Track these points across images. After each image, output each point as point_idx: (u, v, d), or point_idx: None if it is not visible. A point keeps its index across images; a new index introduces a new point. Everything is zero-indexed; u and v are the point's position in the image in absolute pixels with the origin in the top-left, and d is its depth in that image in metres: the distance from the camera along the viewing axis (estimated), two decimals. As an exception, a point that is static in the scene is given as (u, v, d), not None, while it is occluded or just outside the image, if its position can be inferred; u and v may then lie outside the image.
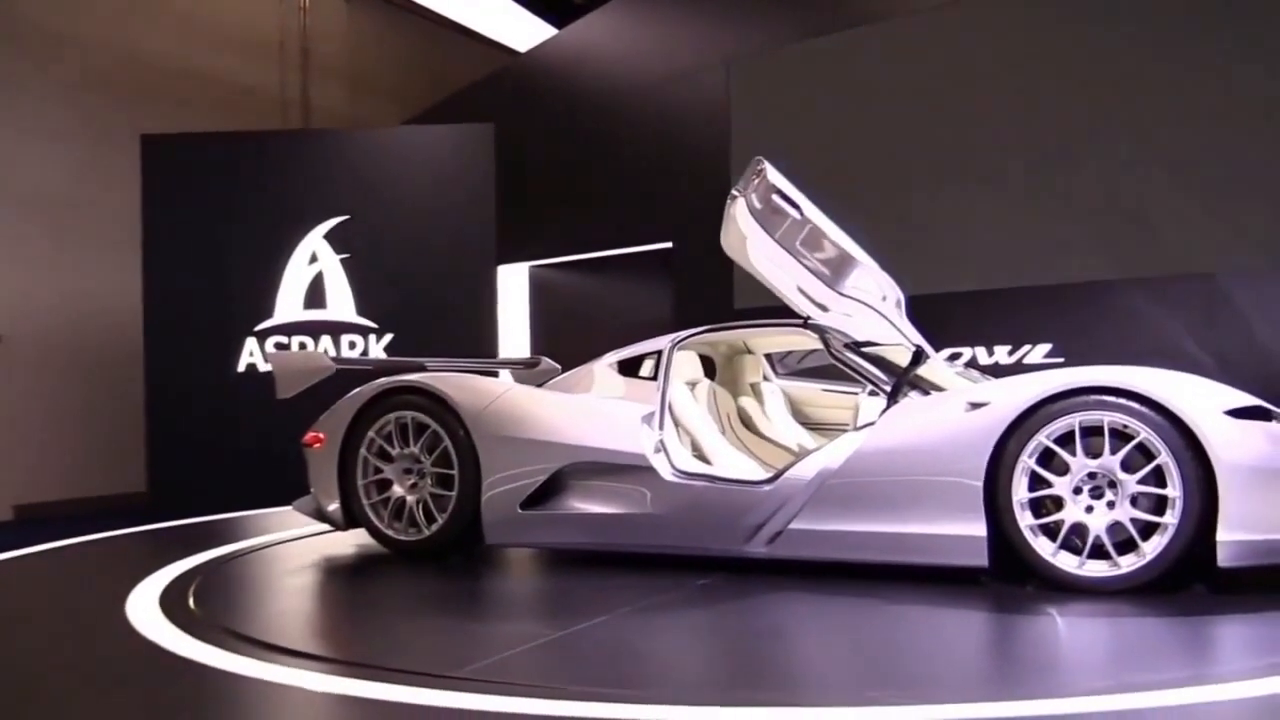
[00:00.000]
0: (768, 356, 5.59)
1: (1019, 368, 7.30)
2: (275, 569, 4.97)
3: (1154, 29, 7.10)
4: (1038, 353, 7.35)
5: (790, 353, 5.56)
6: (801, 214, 4.02)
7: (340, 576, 4.69)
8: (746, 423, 5.27)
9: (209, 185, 8.28)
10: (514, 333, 10.46)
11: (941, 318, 7.64)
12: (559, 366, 5.70)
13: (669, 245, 9.14)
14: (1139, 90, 7.12)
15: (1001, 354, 7.48)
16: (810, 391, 5.56)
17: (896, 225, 8.07)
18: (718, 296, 8.05)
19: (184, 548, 5.21)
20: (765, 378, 5.53)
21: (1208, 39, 6.90)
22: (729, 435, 5.00)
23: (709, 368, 5.50)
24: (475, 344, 8.04)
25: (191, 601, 3.90)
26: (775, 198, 4.02)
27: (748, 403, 5.34)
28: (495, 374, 7.29)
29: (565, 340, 9.17)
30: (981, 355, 7.53)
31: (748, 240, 4.09)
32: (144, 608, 3.78)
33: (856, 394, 4.99)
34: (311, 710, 2.69)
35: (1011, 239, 7.58)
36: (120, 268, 8.63)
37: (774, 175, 4.06)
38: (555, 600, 4.15)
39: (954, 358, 7.47)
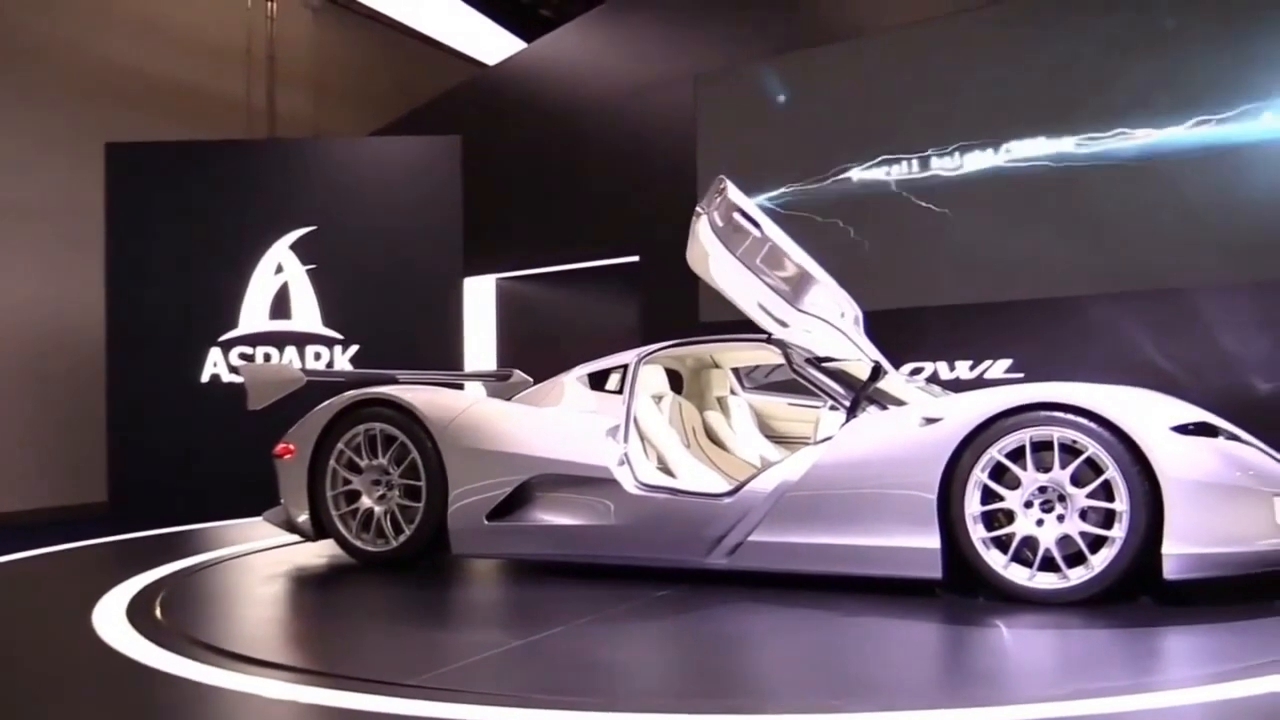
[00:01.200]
0: (735, 371, 5.67)
1: (980, 383, 7.42)
2: (243, 579, 5.00)
3: (1118, 44, 7.25)
4: (998, 368, 7.47)
5: (757, 367, 5.65)
6: (762, 232, 4.12)
7: (307, 586, 4.72)
8: (712, 436, 5.34)
9: (174, 194, 8.23)
10: (481, 345, 10.48)
11: (904, 333, 7.76)
12: (531, 379, 5.76)
13: (636, 259, 9.21)
14: (1102, 105, 7.25)
15: (963, 369, 7.60)
16: (777, 405, 5.64)
17: (859, 240, 8.19)
18: (684, 310, 8.12)
19: (151, 558, 5.22)
20: (732, 391, 5.61)
21: (1170, 51, 7.04)
22: (694, 448, 5.07)
23: (676, 381, 5.59)
24: (441, 356, 8.06)
25: (158, 611, 3.92)
26: (736, 216, 4.11)
27: (713, 416, 5.42)
28: (462, 386, 7.41)
29: (532, 353, 9.20)
30: (943, 370, 7.65)
31: (710, 257, 4.18)
32: (111, 618, 3.79)
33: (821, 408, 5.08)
34: (270, 718, 2.73)
35: (974, 255, 7.70)
36: (83, 276, 8.58)
37: (735, 194, 4.15)
38: (517, 609, 4.22)
39: (916, 372, 7.58)
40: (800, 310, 4.17)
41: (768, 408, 5.64)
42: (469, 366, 9.09)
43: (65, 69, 9.20)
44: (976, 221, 7.72)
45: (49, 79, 9.06)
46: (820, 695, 2.75)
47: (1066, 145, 7.39)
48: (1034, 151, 7.51)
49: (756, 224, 4.13)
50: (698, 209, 4.28)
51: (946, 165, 7.87)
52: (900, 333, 7.75)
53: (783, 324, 4.26)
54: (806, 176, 8.44)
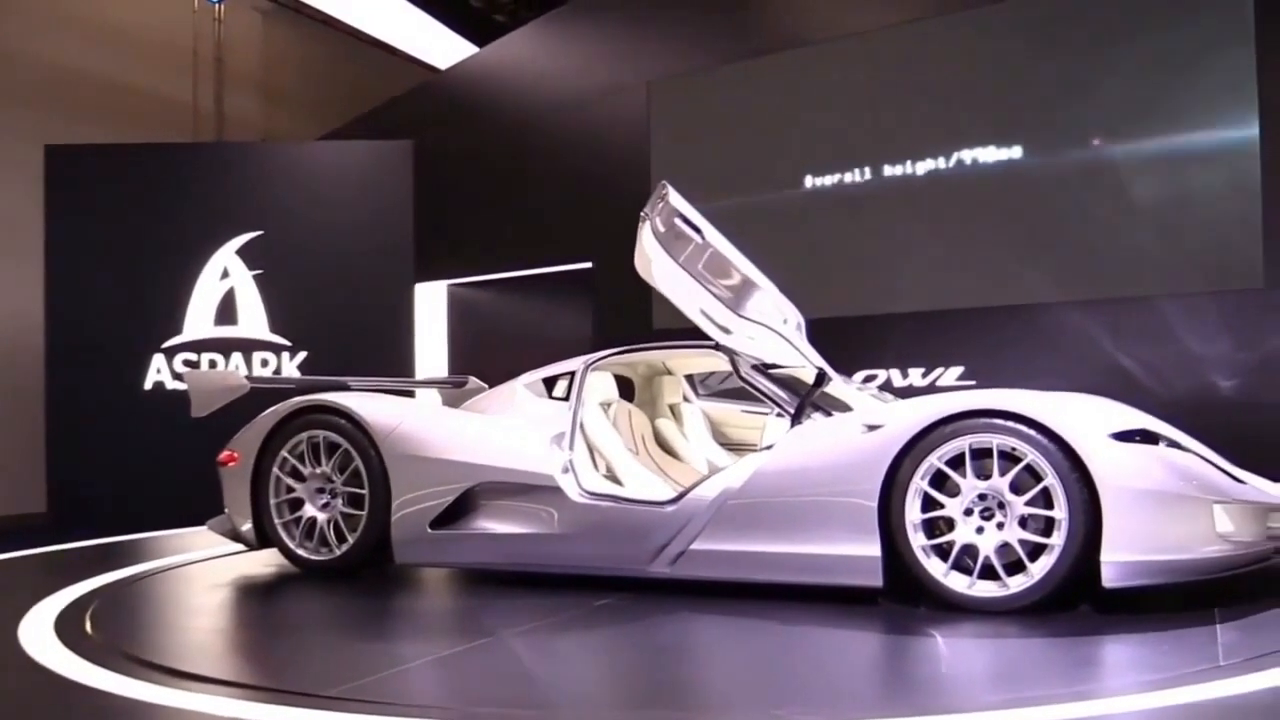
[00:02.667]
0: (689, 378, 5.65)
1: (932, 390, 7.44)
2: (179, 590, 4.93)
3: (1072, 54, 7.31)
4: (950, 375, 7.50)
5: (712, 374, 5.64)
6: (703, 238, 4.10)
7: (244, 597, 4.66)
8: (663, 443, 5.31)
9: (116, 198, 8.10)
10: (432, 352, 10.39)
11: (857, 341, 7.80)
12: (487, 387, 5.71)
13: (589, 265, 9.18)
14: (1060, 111, 7.31)
15: (916, 376, 7.63)
16: (730, 413, 5.63)
17: (812, 248, 8.21)
18: (637, 317, 8.09)
19: (87, 569, 5.12)
20: (686, 399, 5.58)
21: (1133, 60, 7.11)
22: (642, 456, 5.04)
23: (629, 388, 5.56)
24: (392, 363, 7.99)
25: (88, 624, 3.84)
26: (678, 221, 4.09)
27: (664, 424, 5.39)
28: (412, 394, 7.34)
29: (484, 360, 9.13)
30: (896, 378, 7.67)
31: (652, 263, 4.16)
32: (38, 631, 3.71)
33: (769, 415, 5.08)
34: None
35: (926, 263, 7.74)
36: (21, 281, 8.41)
37: (676, 199, 4.13)
38: (451, 619, 4.19)
39: (869, 379, 7.60)
40: (743, 317, 4.14)
41: (722, 415, 5.63)
42: (420, 374, 9.01)
43: (7, 71, 9.02)
44: (928, 229, 7.76)
45: (-11, 80, 8.88)
46: (755, 706, 2.73)
47: (1016, 153, 7.44)
48: (985, 159, 7.56)
49: (698, 229, 4.10)
50: (642, 214, 4.25)
51: (899, 173, 7.90)
52: (853, 340, 7.80)
53: (725, 330, 4.24)
54: (759, 184, 8.44)
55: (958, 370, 7.46)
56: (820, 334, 7.45)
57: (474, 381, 5.92)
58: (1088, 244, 7.19)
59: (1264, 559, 3.64)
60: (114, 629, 3.81)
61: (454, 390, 5.90)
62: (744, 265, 4.17)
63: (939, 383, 7.50)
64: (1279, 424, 6.46)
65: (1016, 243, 7.43)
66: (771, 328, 4.19)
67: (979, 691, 2.86)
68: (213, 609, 4.47)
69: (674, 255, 4.08)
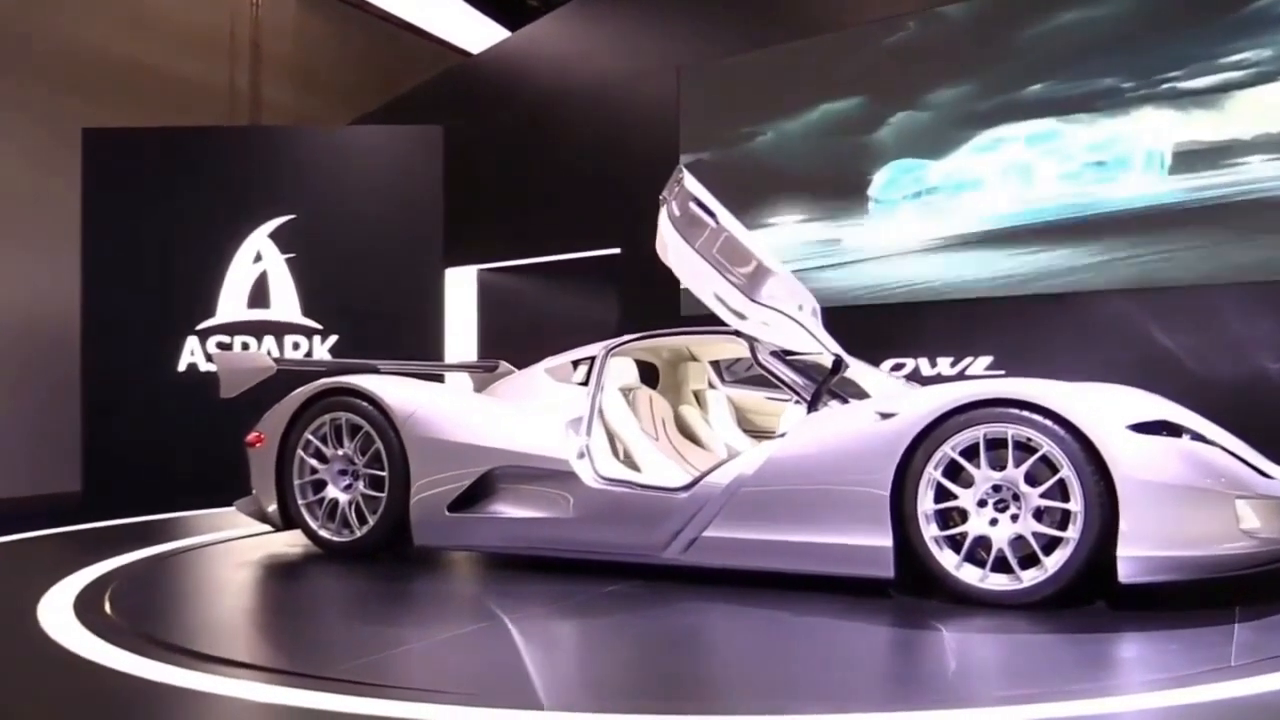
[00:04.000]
0: (715, 364, 5.62)
1: (961, 380, 7.34)
2: (199, 570, 4.98)
3: (1097, 32, 7.17)
4: (979, 365, 7.41)
5: (738, 360, 5.60)
6: (717, 222, 4.06)
7: (262, 578, 4.70)
8: (685, 430, 5.29)
9: (152, 181, 8.16)
10: (462, 337, 10.42)
11: (885, 328, 7.73)
12: (517, 370, 5.72)
13: (617, 250, 9.15)
14: (1098, 94, 7.19)
15: (945, 365, 7.54)
16: (756, 399, 5.59)
17: (842, 234, 8.13)
18: (665, 303, 8.05)
19: (111, 548, 5.18)
20: (711, 385, 5.55)
21: (1159, 44, 6.97)
22: (662, 442, 5.01)
23: (653, 374, 5.54)
24: (421, 347, 8.00)
25: (107, 604, 3.88)
26: (693, 206, 4.05)
27: (687, 410, 5.37)
28: (442, 378, 7.37)
29: (513, 345, 9.11)
30: (925, 366, 7.59)
31: (668, 247, 4.13)
32: (58, 610, 3.75)
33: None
34: (154, 705, 2.70)
35: (959, 249, 7.64)
36: (59, 263, 8.51)
37: (691, 183, 4.09)
38: (459, 602, 4.20)
39: (897, 368, 7.53)
40: (757, 302, 4.10)
41: (747, 401, 5.59)
42: (450, 358, 9.03)
43: (47, 56, 9.13)
44: (959, 217, 7.66)
45: (30, 66, 8.99)
46: (759, 698, 2.70)
47: (1049, 139, 7.32)
48: (1016, 143, 7.44)
49: (712, 214, 4.06)
50: (660, 197, 4.23)
51: (930, 159, 7.81)
52: (882, 329, 7.72)
53: (740, 316, 4.20)
54: (789, 170, 8.37)
55: (987, 360, 7.36)
56: (849, 322, 7.45)
57: (504, 365, 5.93)
58: (1123, 231, 7.05)
59: None
60: (131, 608, 3.85)
61: (484, 374, 5.92)
62: (759, 250, 4.13)
63: (968, 372, 7.41)
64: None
65: (1049, 231, 7.30)
66: (786, 313, 4.14)
67: (985, 687, 2.81)
68: (230, 589, 4.52)
69: (689, 240, 4.05)
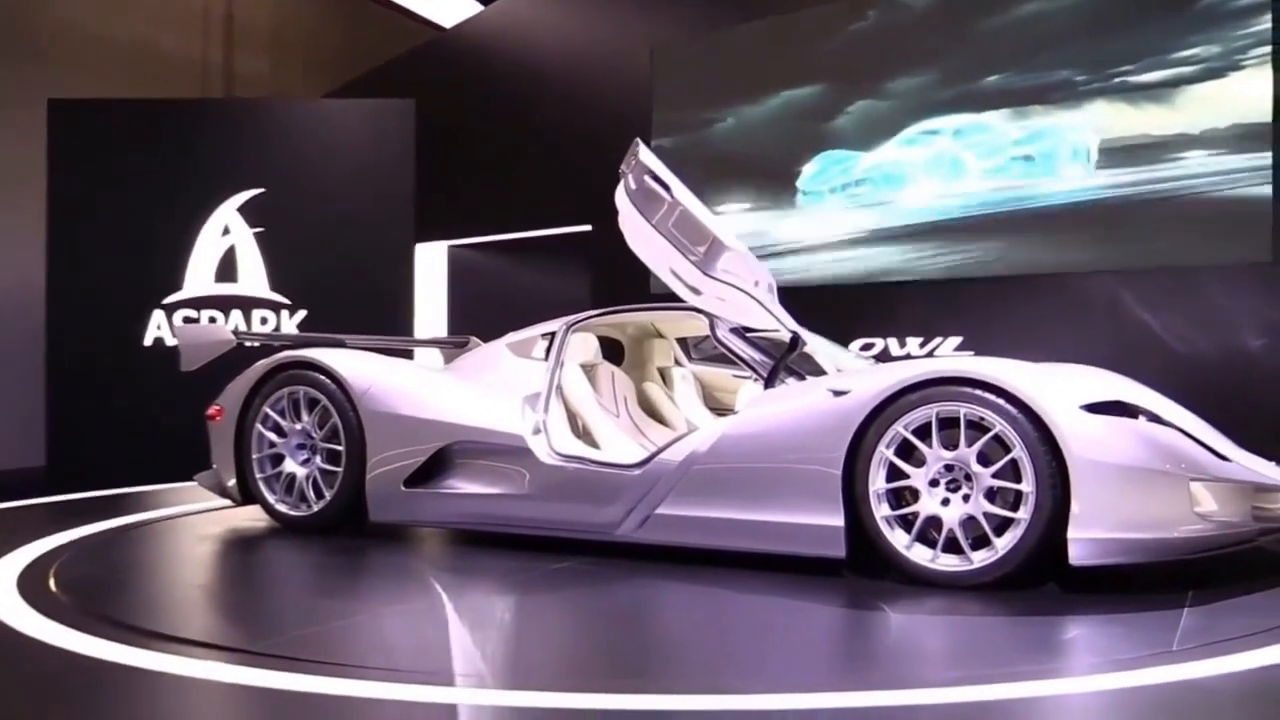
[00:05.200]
0: (682, 341, 5.57)
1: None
2: (150, 545, 4.92)
3: (1076, 14, 7.14)
4: (948, 345, 7.38)
5: (706, 337, 5.55)
6: (672, 196, 4.00)
7: (211, 552, 4.66)
8: (648, 407, 5.25)
9: (119, 153, 8.03)
10: (432, 313, 10.35)
11: (855, 308, 7.69)
12: None
13: (589, 228, 9.07)
14: (1073, 78, 7.15)
15: (914, 345, 7.50)
16: (723, 377, 5.55)
17: (815, 214, 8.08)
18: (635, 281, 7.97)
19: (67, 522, 5.12)
20: (677, 362, 5.51)
21: (1134, 28, 6.93)
22: (623, 419, 4.97)
23: (619, 351, 5.49)
24: (391, 322, 7.91)
25: (52, 580, 3.82)
26: (648, 179, 3.99)
27: (651, 387, 5.33)
28: (411, 354, 7.30)
29: (484, 321, 9.04)
30: (894, 346, 7.55)
31: (624, 222, 4.07)
32: (1, 585, 3.69)
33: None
34: (90, 682, 2.64)
35: (927, 229, 7.60)
36: (23, 236, 8.39)
37: (646, 155, 4.04)
38: (405, 578, 4.13)
39: (866, 348, 7.49)
40: (713, 277, 4.04)
41: (714, 379, 5.56)
42: (420, 334, 8.95)
43: (12, 26, 8.98)
44: (933, 197, 7.62)
45: (-3, 33, 8.84)
46: (703, 676, 2.67)
47: (1022, 120, 7.28)
48: (990, 124, 7.40)
49: (668, 188, 4.01)
50: (620, 170, 4.17)
51: (906, 138, 7.76)
52: (851, 308, 7.69)
53: (696, 291, 4.15)
54: (763, 149, 8.32)
55: (956, 340, 7.33)
56: (819, 301, 7.41)
57: (475, 342, 5.87)
58: (1092, 215, 7.03)
59: (1248, 540, 3.49)
60: (78, 583, 3.79)
61: (455, 350, 5.87)
62: (714, 225, 4.06)
63: (936, 353, 7.38)
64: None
65: (1021, 214, 7.27)
66: (742, 289, 4.08)
67: (926, 668, 2.78)
68: (182, 564, 4.51)
69: (645, 213, 4.00)
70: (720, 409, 5.40)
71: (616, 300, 5.50)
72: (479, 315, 9.77)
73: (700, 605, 3.53)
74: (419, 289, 8.78)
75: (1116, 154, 6.98)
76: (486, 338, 5.71)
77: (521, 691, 2.43)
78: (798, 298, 5.06)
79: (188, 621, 3.43)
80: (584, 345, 4.94)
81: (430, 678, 2.55)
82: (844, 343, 5.78)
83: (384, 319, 7.82)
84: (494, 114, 9.99)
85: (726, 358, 5.08)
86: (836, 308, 7.59)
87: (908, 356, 7.41)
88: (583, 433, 4.68)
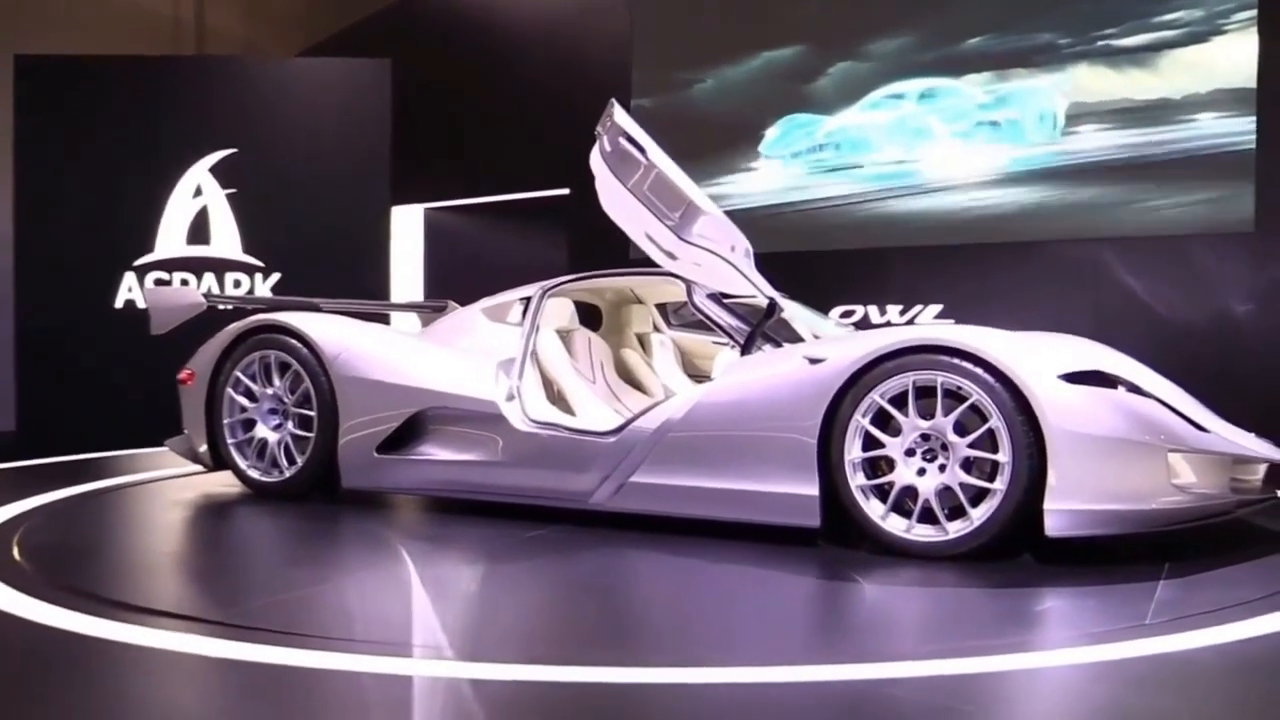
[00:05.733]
0: (661, 307, 5.50)
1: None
2: (119, 511, 4.85)
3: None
4: (929, 313, 7.34)
5: (685, 304, 5.49)
6: (647, 158, 3.92)
7: (180, 518, 4.60)
8: (626, 374, 5.20)
9: (88, 112, 7.88)
10: (408, 277, 10.25)
11: (834, 275, 7.64)
12: None
13: (567, 191, 8.97)
14: (1054, 41, 7.08)
15: (894, 313, 7.47)
16: (703, 344, 5.50)
17: (793, 179, 8.00)
18: (614, 246, 7.89)
19: (34, 487, 5.04)
20: (656, 328, 5.45)
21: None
22: (599, 385, 4.92)
23: (596, 317, 5.43)
24: (366, 286, 7.80)
25: (15, 547, 3.74)
26: (622, 140, 3.92)
27: (629, 354, 5.27)
28: (388, 318, 7.22)
29: (460, 285, 8.96)
30: (874, 314, 7.51)
31: (599, 184, 4.00)
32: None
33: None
34: (44, 651, 2.59)
35: (912, 195, 7.55)
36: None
37: (621, 116, 3.96)
38: (373, 546, 4.07)
39: (846, 315, 7.45)
40: (688, 242, 3.97)
41: (694, 346, 5.50)
42: (396, 298, 8.86)
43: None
44: (913, 162, 7.55)
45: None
46: (668, 649, 2.64)
47: (1005, 83, 7.22)
48: (973, 87, 7.34)
49: (643, 150, 3.93)
50: (596, 132, 4.08)
51: (887, 100, 7.69)
52: (831, 274, 7.64)
53: (671, 256, 4.08)
54: (743, 110, 8.23)
55: (936, 308, 7.30)
56: (798, 267, 7.35)
57: (453, 306, 5.79)
58: (1076, 182, 6.99)
59: (1226, 512, 3.48)
60: (39, 551, 3.72)
61: (433, 315, 5.79)
62: (690, 188, 3.99)
63: (916, 320, 7.35)
64: (1263, 369, 6.33)
65: (1002, 179, 7.22)
66: (718, 254, 4.01)
67: (898, 641, 2.75)
68: (145, 531, 4.45)
69: (619, 176, 3.92)
70: (699, 376, 5.34)
71: (595, 265, 5.43)
72: (455, 279, 9.68)
73: (673, 575, 3.49)
74: (395, 252, 8.67)
75: (1091, 118, 6.93)
76: (464, 302, 5.64)
77: (480, 664, 2.38)
78: (776, 263, 4.98)
79: (152, 590, 3.36)
80: (560, 310, 4.88)
81: (386, 648, 2.50)
82: (824, 310, 5.73)
83: (359, 283, 7.73)
84: (472, 74, 9.85)
85: (706, 324, 5.05)
86: (816, 274, 7.53)
87: (888, 324, 7.38)
88: (558, 399, 4.62)
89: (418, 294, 10.16)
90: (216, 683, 2.35)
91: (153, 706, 2.23)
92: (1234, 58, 6.52)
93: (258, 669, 2.33)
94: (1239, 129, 6.50)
